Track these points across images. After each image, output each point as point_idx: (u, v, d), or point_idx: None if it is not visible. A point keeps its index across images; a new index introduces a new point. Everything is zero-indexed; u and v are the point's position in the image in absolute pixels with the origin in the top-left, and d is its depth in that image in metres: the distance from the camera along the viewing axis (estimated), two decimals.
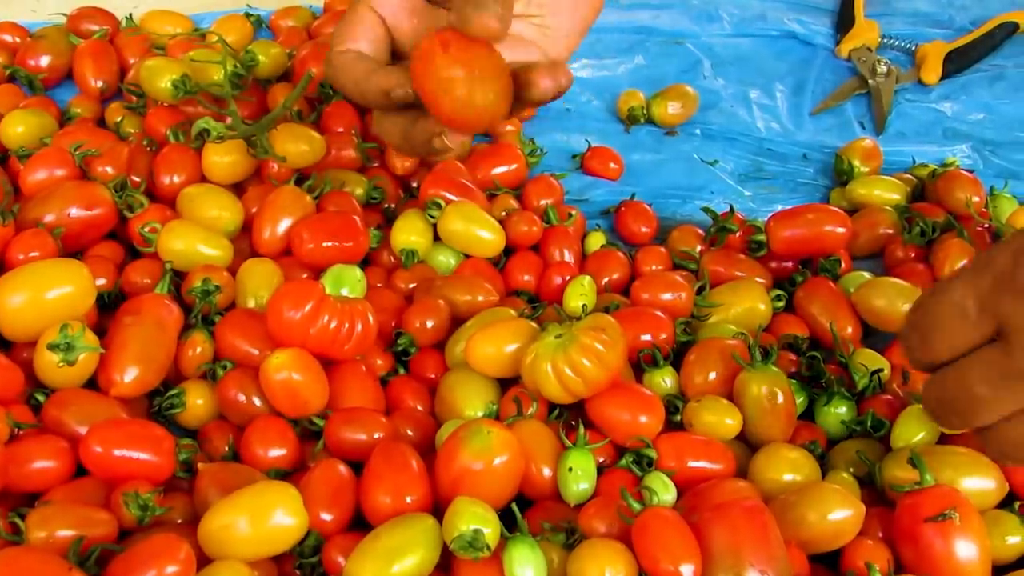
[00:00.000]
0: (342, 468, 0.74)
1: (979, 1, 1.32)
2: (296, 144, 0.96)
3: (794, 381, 0.85)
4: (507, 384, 0.83)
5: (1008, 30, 1.26)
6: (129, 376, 0.78)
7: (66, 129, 1.01)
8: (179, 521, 0.73)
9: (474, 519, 0.68)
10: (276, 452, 0.77)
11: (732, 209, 0.98)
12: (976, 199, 0.99)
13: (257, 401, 0.80)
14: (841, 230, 0.96)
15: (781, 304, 0.93)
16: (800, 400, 0.84)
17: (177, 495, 0.75)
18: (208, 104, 0.99)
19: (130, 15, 1.19)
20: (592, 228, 1.01)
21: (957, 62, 1.23)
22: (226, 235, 0.92)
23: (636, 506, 0.70)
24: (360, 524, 0.73)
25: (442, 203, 0.93)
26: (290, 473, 0.77)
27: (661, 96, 1.14)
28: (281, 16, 1.22)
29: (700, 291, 0.92)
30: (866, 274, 0.95)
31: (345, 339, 0.80)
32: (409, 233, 0.93)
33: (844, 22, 1.27)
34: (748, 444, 0.82)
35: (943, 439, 0.81)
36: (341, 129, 1.03)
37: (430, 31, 0.69)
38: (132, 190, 0.93)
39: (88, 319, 0.82)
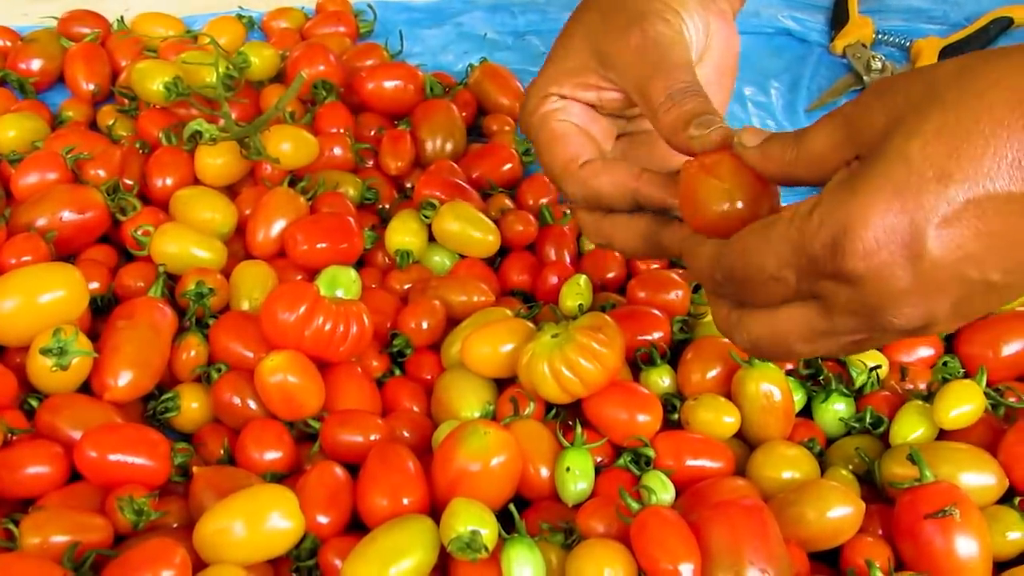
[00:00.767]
0: (338, 470, 0.74)
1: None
2: (289, 145, 0.96)
3: (792, 379, 0.84)
4: (504, 384, 0.82)
5: (1002, 25, 1.26)
6: (123, 380, 0.78)
7: (58, 132, 1.01)
8: (175, 525, 0.73)
9: (472, 520, 0.67)
10: (272, 455, 0.76)
11: None
12: None
13: (252, 404, 0.79)
14: None
15: None
16: (798, 398, 0.84)
17: (172, 499, 0.74)
18: (200, 106, 0.99)
19: (121, 18, 1.18)
20: None
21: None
22: (219, 237, 0.91)
23: (635, 505, 0.70)
24: (357, 526, 0.73)
25: (436, 203, 0.93)
26: (286, 476, 0.77)
27: None
28: (273, 17, 1.22)
29: (696, 289, 0.91)
30: None
31: (340, 341, 0.79)
32: (404, 234, 0.93)
33: (838, 18, 1.27)
34: (746, 442, 0.82)
35: (942, 435, 0.81)
36: (334, 130, 1.02)
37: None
38: (125, 193, 0.93)
39: (81, 323, 0.81)
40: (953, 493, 0.72)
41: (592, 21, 0.71)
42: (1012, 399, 0.83)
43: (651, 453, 0.77)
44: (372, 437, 0.77)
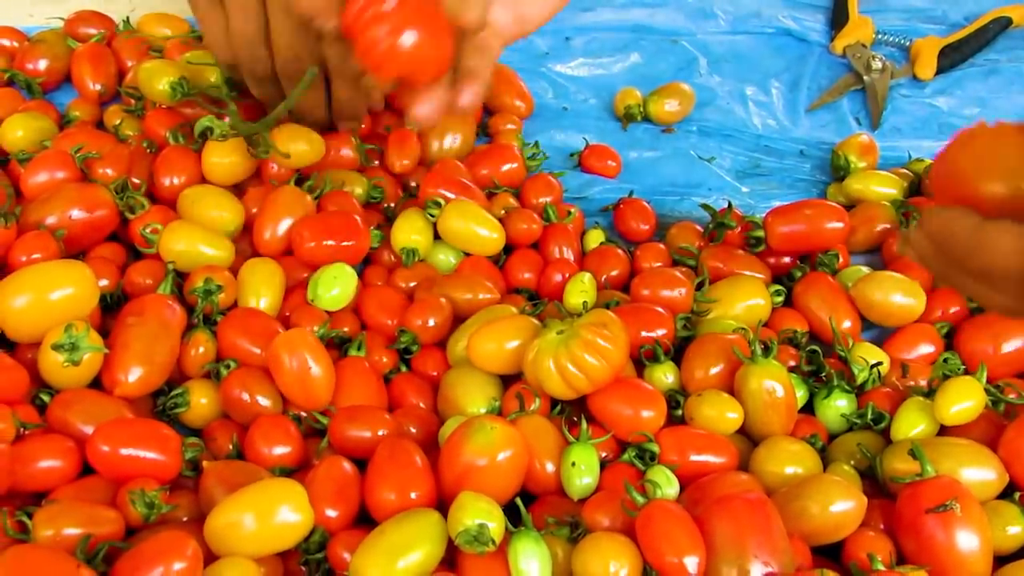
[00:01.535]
0: (346, 465, 0.75)
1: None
2: (296, 144, 0.96)
3: (794, 375, 0.85)
4: (509, 380, 0.83)
5: (1002, 24, 1.27)
6: (133, 376, 0.78)
7: (66, 132, 1.01)
8: (185, 519, 0.74)
9: (479, 514, 0.68)
10: (280, 450, 0.77)
11: (730, 205, 0.98)
12: None
13: (261, 399, 0.80)
14: (839, 225, 0.96)
15: (780, 299, 0.93)
16: (800, 394, 0.85)
17: (183, 493, 0.75)
18: (206, 105, 0.99)
19: (127, 18, 1.19)
20: (591, 226, 1.01)
21: (951, 57, 1.23)
22: (227, 235, 0.92)
23: (640, 499, 0.71)
24: (365, 520, 0.74)
25: (442, 202, 0.94)
26: (295, 471, 0.78)
27: (657, 94, 1.14)
28: None
29: (699, 287, 0.92)
30: (864, 268, 0.96)
31: None
32: (409, 232, 0.94)
33: (838, 18, 1.28)
34: (749, 438, 0.82)
35: (943, 431, 0.82)
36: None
37: None
38: (133, 192, 0.93)
39: (92, 320, 0.82)
40: (954, 488, 0.73)
41: None
42: (1012, 395, 0.84)
43: (655, 448, 0.78)
44: (380, 432, 0.78)
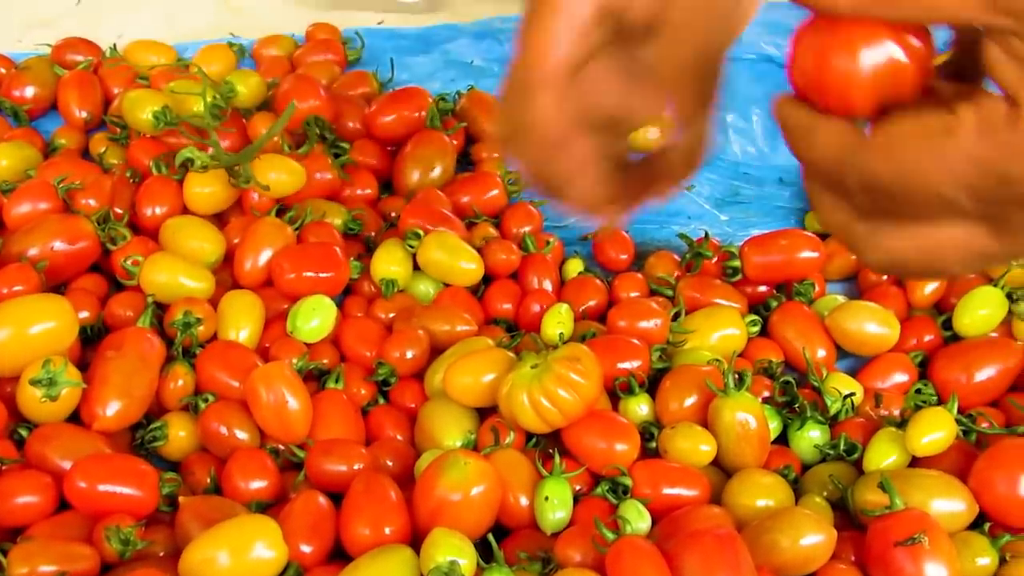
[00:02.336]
0: (322, 500, 0.76)
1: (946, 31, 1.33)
2: (277, 174, 0.97)
3: (768, 406, 0.86)
4: (486, 413, 0.84)
5: None
6: (112, 410, 0.79)
7: (50, 161, 1.02)
8: (161, 554, 0.75)
9: (451, 550, 0.69)
10: (257, 484, 0.78)
11: (707, 235, 0.99)
12: None
13: (239, 433, 0.81)
14: (815, 255, 0.97)
15: (756, 329, 0.94)
16: (774, 425, 0.85)
17: (159, 528, 0.76)
18: (190, 135, 1.00)
19: (114, 45, 1.20)
20: (570, 255, 1.02)
21: None
22: (208, 266, 0.93)
23: (610, 536, 0.71)
24: (340, 555, 0.74)
25: (421, 233, 0.95)
26: (271, 504, 0.78)
27: None
28: (264, 45, 1.23)
29: (676, 317, 0.93)
30: (840, 297, 0.97)
31: None
32: (389, 263, 0.95)
33: None
34: (723, 470, 0.83)
35: (915, 461, 0.82)
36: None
37: None
38: (115, 223, 0.94)
39: (71, 353, 0.83)
40: (923, 520, 0.74)
41: None
42: (984, 425, 0.85)
43: (628, 482, 0.78)
44: (356, 466, 0.78)
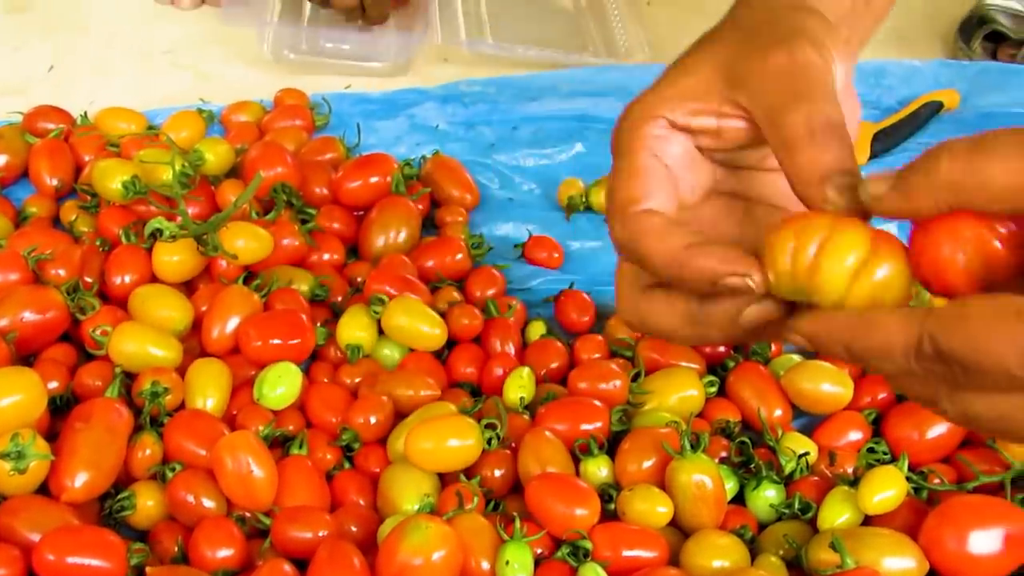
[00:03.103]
0: (287, 567, 0.77)
1: (906, 81, 1.36)
2: (244, 242, 0.99)
3: (724, 467, 0.88)
4: (449, 478, 0.86)
5: (933, 109, 1.32)
6: (80, 481, 0.80)
7: (21, 231, 1.04)
8: None
9: None
10: (224, 552, 0.79)
11: None
12: None
13: (206, 501, 0.82)
14: None
15: (714, 389, 0.96)
16: (730, 485, 0.87)
17: None
18: (159, 204, 1.02)
19: (85, 113, 1.22)
20: (533, 317, 1.04)
21: (884, 142, 1.28)
22: (176, 334, 0.94)
23: None
24: None
25: (386, 299, 0.97)
26: (238, 572, 0.80)
27: (599, 184, 1.17)
28: (233, 111, 1.25)
29: (635, 378, 0.95)
30: (796, 356, 0.99)
31: None
32: (354, 329, 0.96)
33: None
34: (681, 530, 0.85)
35: (867, 519, 0.85)
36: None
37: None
38: (84, 292, 0.96)
39: (40, 424, 0.84)
40: None
41: (729, 39, 0.62)
42: (935, 482, 0.87)
43: (588, 545, 0.80)
44: (320, 533, 0.80)
